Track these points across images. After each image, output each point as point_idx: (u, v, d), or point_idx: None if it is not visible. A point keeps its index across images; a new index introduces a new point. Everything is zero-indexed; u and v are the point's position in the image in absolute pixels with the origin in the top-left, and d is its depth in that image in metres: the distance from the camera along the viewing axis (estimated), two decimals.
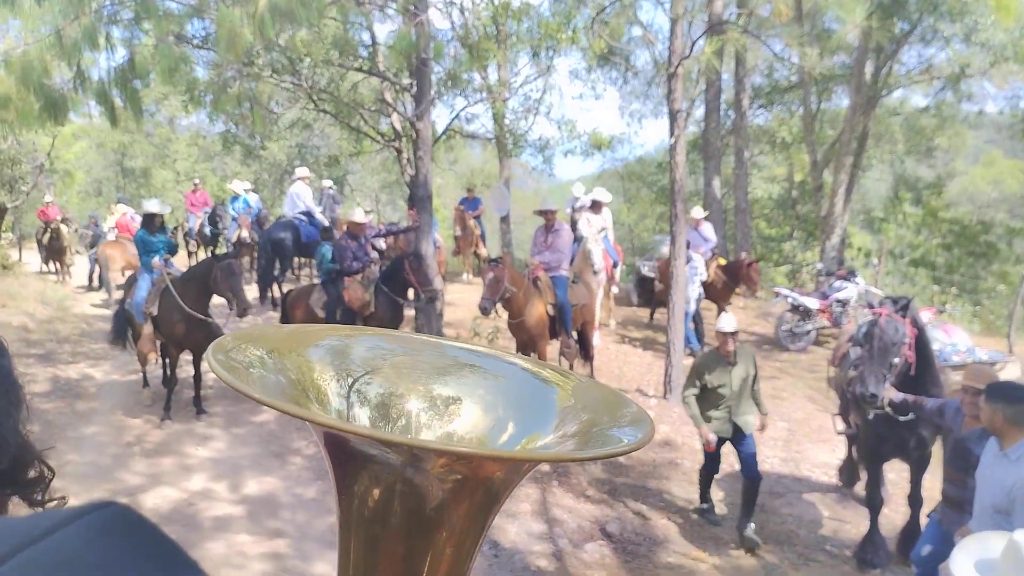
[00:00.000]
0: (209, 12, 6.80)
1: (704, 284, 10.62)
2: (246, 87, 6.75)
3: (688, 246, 9.31)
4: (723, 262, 11.29)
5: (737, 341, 5.78)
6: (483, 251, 14.36)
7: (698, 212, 11.32)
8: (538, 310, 7.88)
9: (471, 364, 0.71)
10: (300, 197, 12.09)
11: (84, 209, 21.12)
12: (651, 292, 12.16)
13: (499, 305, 7.62)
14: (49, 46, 6.58)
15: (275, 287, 12.02)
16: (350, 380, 0.65)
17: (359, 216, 8.80)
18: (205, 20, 7.85)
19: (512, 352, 0.91)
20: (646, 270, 12.66)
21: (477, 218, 14.52)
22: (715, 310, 10.93)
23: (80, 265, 15.09)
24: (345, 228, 9.38)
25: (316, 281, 9.49)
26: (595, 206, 10.70)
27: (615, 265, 11.03)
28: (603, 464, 7.00)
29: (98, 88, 6.50)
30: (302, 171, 12.68)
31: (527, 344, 7.99)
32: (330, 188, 14.08)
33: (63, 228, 14.32)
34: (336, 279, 8.63)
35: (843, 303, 10.53)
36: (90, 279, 14.35)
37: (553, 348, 8.43)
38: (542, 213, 8.39)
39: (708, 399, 5.81)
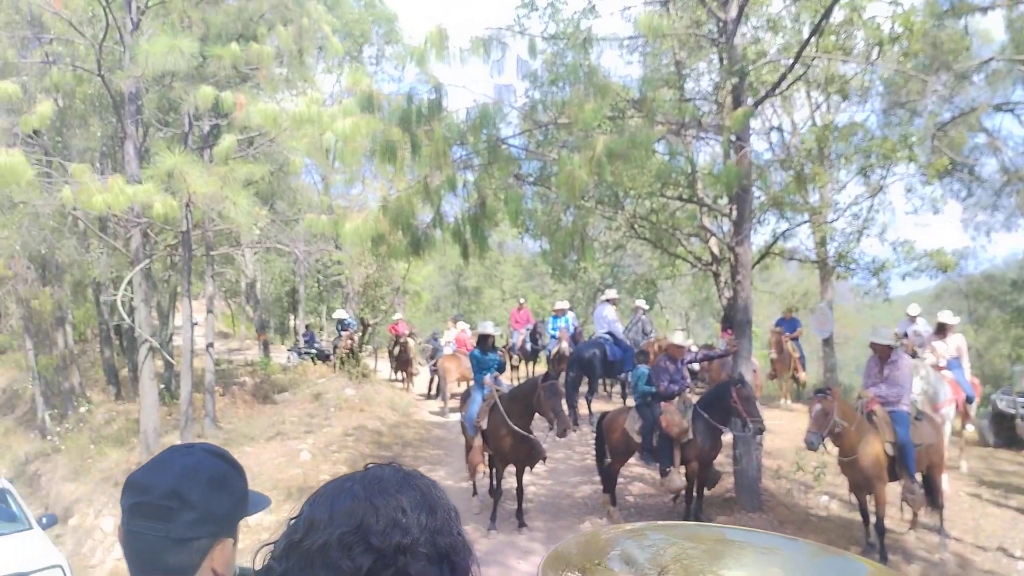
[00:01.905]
0: (546, 154, 7.52)
1: None
2: (579, 223, 7.29)
3: None
4: None
5: None
6: (802, 375, 13.49)
7: None
8: (874, 448, 7.12)
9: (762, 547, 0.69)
10: (606, 318, 12.48)
11: (426, 324, 23.87)
12: (1011, 431, 10.44)
13: (827, 440, 7.04)
14: (417, 192, 7.73)
15: (582, 404, 12.35)
16: None
17: (679, 339, 8.81)
18: (539, 161, 8.72)
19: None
20: (1004, 405, 10.93)
21: (795, 340, 13.76)
22: None
23: (422, 375, 16.96)
24: (660, 349, 9.44)
25: (631, 404, 9.57)
26: (940, 330, 9.59)
27: (969, 400, 9.66)
28: None
29: (453, 228, 7.45)
30: (610, 293, 13.12)
31: (861, 485, 7.22)
32: (642, 312, 14.32)
33: (410, 342, 16.29)
34: (652, 402, 8.61)
35: None
36: (429, 388, 16.04)
37: (893, 491, 7.51)
38: (877, 347, 7.67)
39: None
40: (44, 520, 8.07)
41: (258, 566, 1.03)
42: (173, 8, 10.26)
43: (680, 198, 9.10)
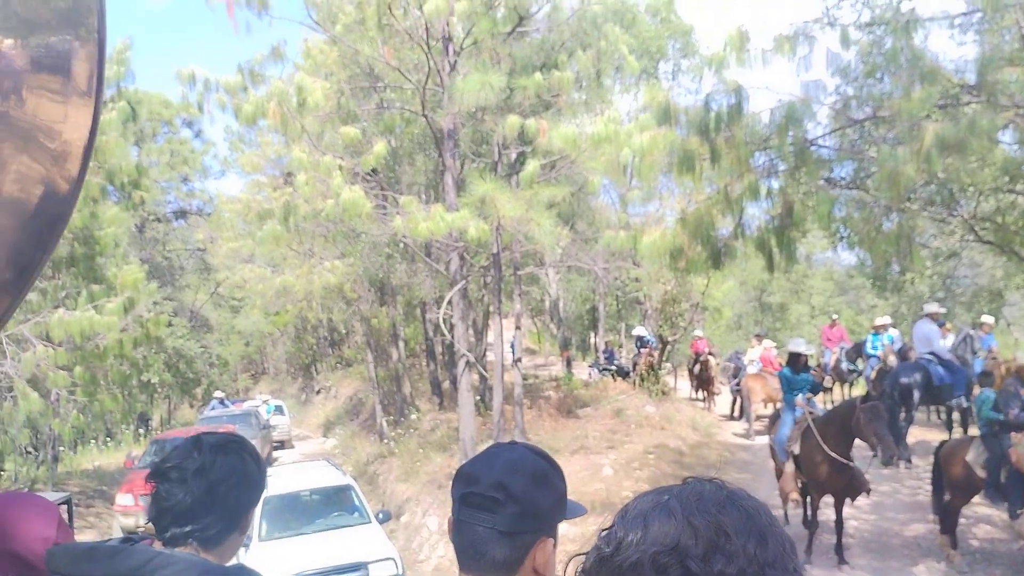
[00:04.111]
0: (863, 153, 6.84)
1: None
2: (906, 225, 6.49)
3: None
4: None
5: None
6: None
7: None
8: None
9: None
10: (927, 336, 10.94)
11: (726, 342, 23.08)
12: None
13: None
14: (716, 202, 7.47)
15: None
16: None
17: None
18: (852, 162, 7.96)
19: None
20: None
21: None
22: None
23: (724, 395, 16.38)
24: (1008, 371, 8.09)
25: (975, 433, 8.30)
26: None
27: None
28: None
29: (757, 238, 7.06)
30: (930, 307, 11.52)
31: None
32: (971, 328, 12.40)
33: (711, 360, 15.82)
34: (1000, 432, 7.38)
35: None
36: (732, 409, 15.42)
37: None
38: None
39: None
40: (380, 516, 8.88)
41: None
42: (484, 47, 11.13)
43: None
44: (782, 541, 0.89)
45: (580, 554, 0.99)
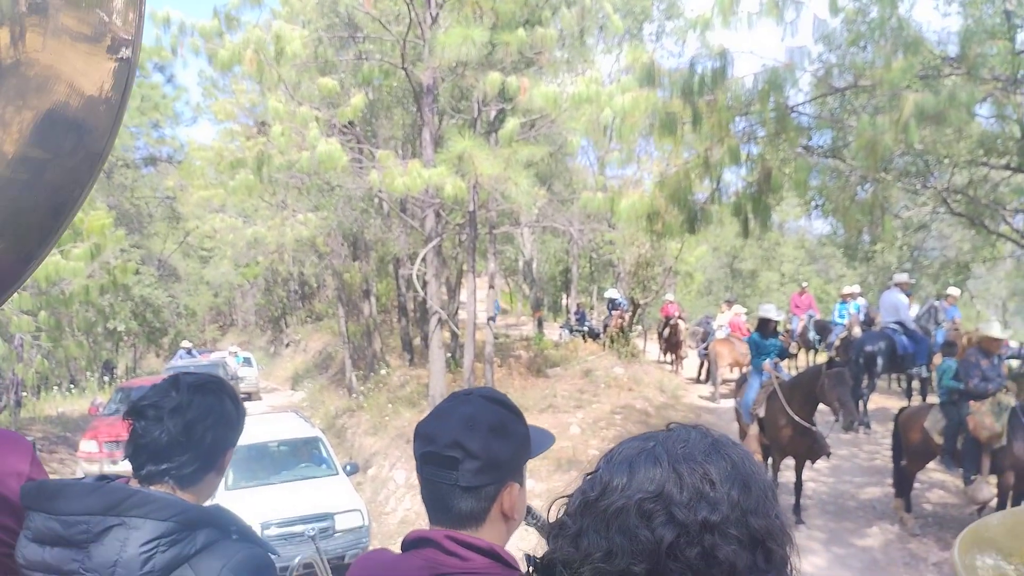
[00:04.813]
0: (842, 122, 6.87)
1: None
2: (880, 195, 6.56)
3: None
4: None
5: None
6: None
7: None
8: None
9: None
10: (895, 305, 11.14)
11: (697, 307, 23.33)
12: None
13: None
14: (695, 166, 7.48)
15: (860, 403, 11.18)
16: None
17: (996, 331, 7.63)
18: (831, 130, 7.99)
19: None
20: None
21: None
22: None
23: (691, 358, 16.60)
24: (970, 341, 8.26)
25: (934, 401, 8.53)
26: None
27: None
28: None
29: (734, 203, 7.09)
30: (900, 277, 11.71)
31: None
32: (936, 299, 12.66)
33: (680, 324, 15.99)
34: (959, 401, 7.59)
35: None
36: (699, 372, 15.65)
37: None
38: None
39: None
40: (348, 468, 8.91)
41: (551, 519, 0.99)
42: (467, 1, 10.92)
43: (1007, 167, 7.80)
44: (764, 488, 0.91)
45: (563, 496, 1.00)
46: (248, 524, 1.48)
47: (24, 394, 17.46)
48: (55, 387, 21.99)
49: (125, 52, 0.93)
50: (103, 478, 1.43)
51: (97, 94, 0.93)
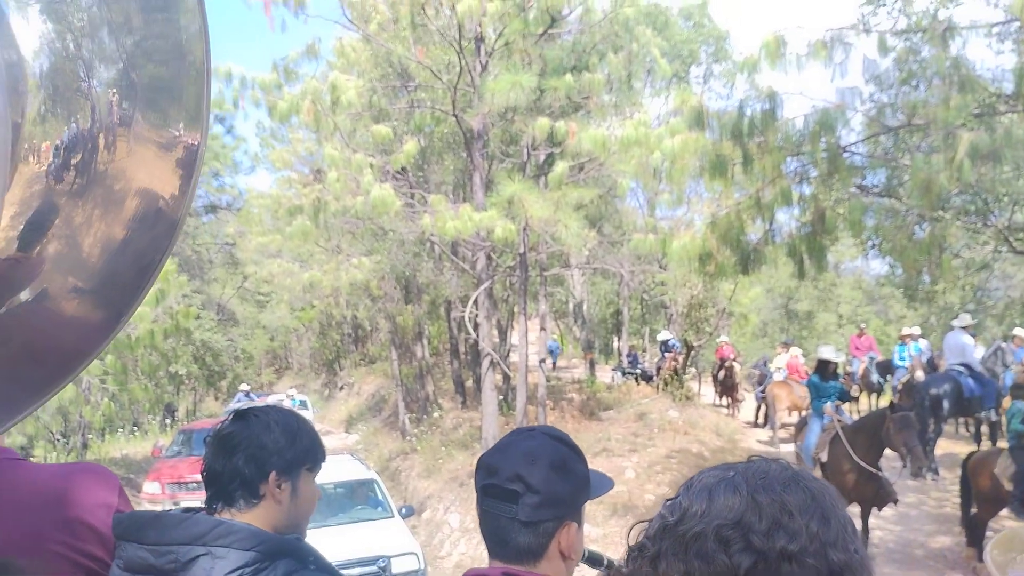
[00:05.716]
0: (896, 160, 6.78)
1: None
2: (938, 234, 6.43)
3: None
4: None
5: None
6: None
7: None
8: None
9: None
10: (960, 347, 10.78)
11: (752, 349, 22.91)
12: None
13: None
14: (747, 207, 7.45)
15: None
16: None
17: None
18: (885, 169, 7.89)
19: None
20: None
21: None
22: None
23: (748, 402, 16.27)
24: None
25: (1004, 445, 8.19)
26: None
27: None
28: None
29: (788, 244, 7.03)
30: (963, 319, 11.35)
31: None
32: (1002, 340, 12.20)
33: (736, 366, 15.73)
34: None
35: None
36: (756, 416, 15.32)
37: None
38: None
39: None
40: (403, 511, 8.93)
41: (631, 542, 1.01)
42: (515, 48, 11.18)
43: None
44: (844, 523, 0.91)
45: (643, 521, 1.01)
46: (325, 557, 1.52)
47: (90, 436, 18.00)
48: (119, 429, 22.60)
49: (195, 143, 1.04)
50: (189, 510, 1.50)
51: (171, 183, 1.04)
